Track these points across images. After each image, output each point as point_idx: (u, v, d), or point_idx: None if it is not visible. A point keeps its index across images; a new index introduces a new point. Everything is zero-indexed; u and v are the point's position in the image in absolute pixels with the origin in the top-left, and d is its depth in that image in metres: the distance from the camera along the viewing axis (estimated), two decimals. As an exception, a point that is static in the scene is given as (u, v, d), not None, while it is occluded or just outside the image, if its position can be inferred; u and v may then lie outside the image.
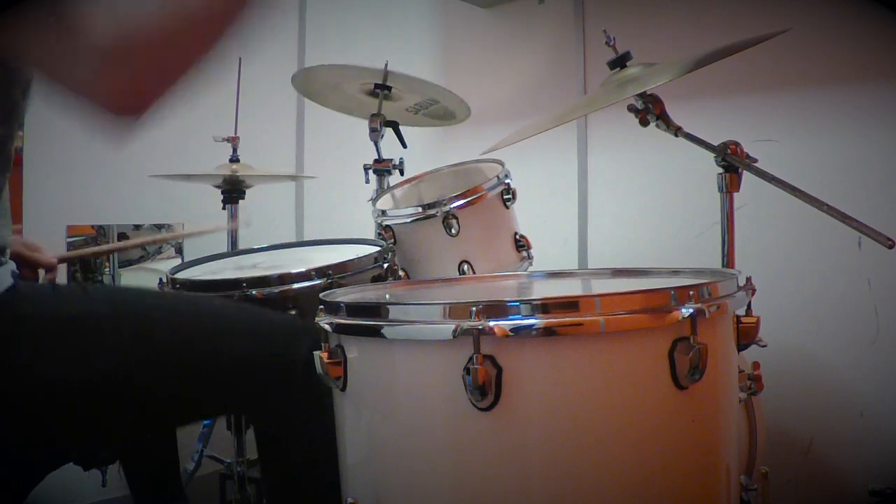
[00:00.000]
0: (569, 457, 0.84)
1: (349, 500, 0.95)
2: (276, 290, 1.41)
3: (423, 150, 2.30)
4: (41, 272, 1.40)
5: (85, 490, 2.02)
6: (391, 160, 1.99)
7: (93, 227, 2.29)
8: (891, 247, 1.05)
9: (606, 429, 0.84)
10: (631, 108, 1.38)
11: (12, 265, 1.02)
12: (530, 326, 0.83)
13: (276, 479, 1.18)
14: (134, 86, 0.79)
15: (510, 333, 0.82)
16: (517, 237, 1.73)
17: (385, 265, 1.52)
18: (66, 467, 1.14)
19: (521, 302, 0.84)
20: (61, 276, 2.18)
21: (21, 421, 0.98)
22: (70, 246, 2.22)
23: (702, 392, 0.88)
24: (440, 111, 2.10)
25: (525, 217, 1.77)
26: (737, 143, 1.29)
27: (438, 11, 2.60)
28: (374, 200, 1.85)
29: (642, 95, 1.34)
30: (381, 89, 1.95)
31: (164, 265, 2.24)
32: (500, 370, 0.82)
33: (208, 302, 1.28)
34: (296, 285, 1.41)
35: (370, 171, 1.99)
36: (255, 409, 1.18)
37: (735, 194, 1.31)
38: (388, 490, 0.92)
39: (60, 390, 0.98)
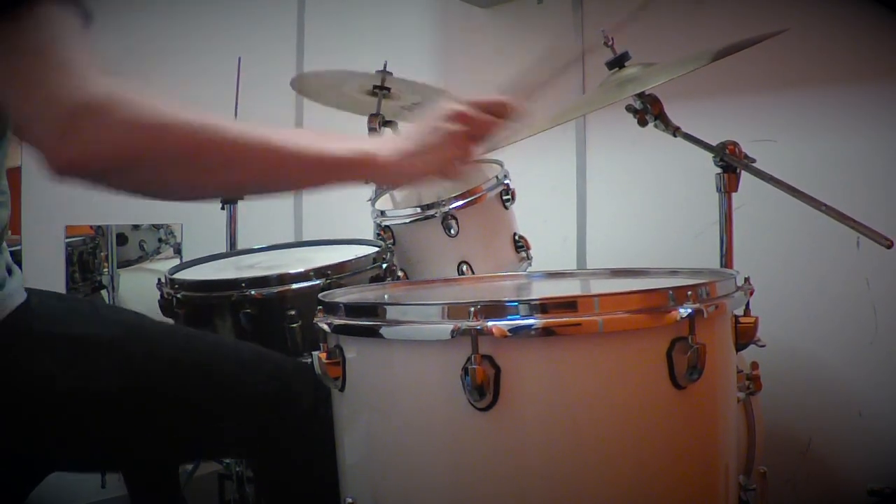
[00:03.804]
0: (567, 457, 0.84)
1: (347, 499, 0.95)
2: (274, 290, 1.41)
3: (422, 150, 2.29)
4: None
5: (84, 490, 2.02)
6: (390, 160, 1.99)
7: (91, 227, 2.29)
8: (889, 247, 1.06)
9: (605, 429, 0.84)
10: (629, 108, 1.38)
11: (21, 277, 1.01)
12: (529, 326, 0.83)
13: None
14: (90, 154, 0.77)
15: (508, 334, 0.82)
16: (516, 237, 1.73)
17: (384, 265, 1.52)
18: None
19: (520, 302, 0.84)
20: (60, 276, 2.19)
21: (24, 428, 0.98)
22: (68, 246, 2.22)
23: (700, 392, 0.88)
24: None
25: (524, 217, 1.77)
26: (735, 143, 1.29)
27: (437, 11, 2.60)
28: (373, 201, 1.85)
29: (641, 95, 1.34)
30: (380, 89, 1.95)
31: (163, 265, 2.23)
32: (498, 370, 0.82)
33: (217, 339, 1.27)
34: (294, 285, 1.41)
35: (369, 171, 1.99)
36: (253, 450, 1.17)
37: (733, 194, 1.31)
38: (387, 490, 0.92)
39: (63, 407, 0.98)
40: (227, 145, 0.84)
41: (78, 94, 0.76)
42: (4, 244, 1.00)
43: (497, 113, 1.00)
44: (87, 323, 1.05)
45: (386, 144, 0.97)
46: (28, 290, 1.01)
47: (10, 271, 0.98)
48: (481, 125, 0.99)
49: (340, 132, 0.97)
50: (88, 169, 0.78)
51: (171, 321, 1.49)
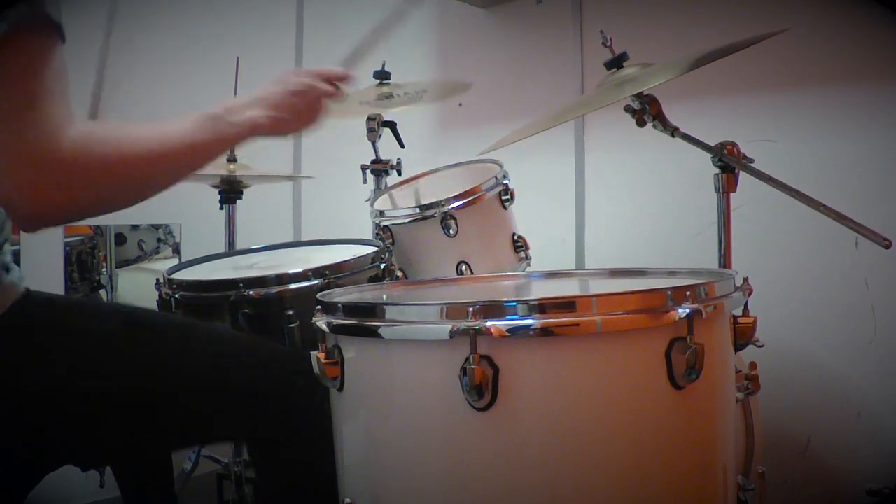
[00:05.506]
0: (566, 457, 0.84)
1: (346, 500, 0.95)
2: (273, 290, 1.41)
3: (421, 151, 2.30)
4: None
5: (82, 490, 2.02)
6: (389, 160, 2.00)
7: (90, 226, 2.29)
8: (888, 247, 1.06)
9: (603, 429, 0.85)
10: (628, 109, 1.38)
11: (19, 271, 1.02)
12: (527, 327, 0.83)
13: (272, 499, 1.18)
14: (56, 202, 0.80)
15: (507, 334, 0.82)
16: (515, 237, 1.73)
17: (382, 265, 1.52)
18: (65, 467, 1.14)
19: (518, 302, 0.84)
20: (58, 276, 2.19)
21: (24, 426, 0.98)
22: (67, 246, 2.22)
23: (699, 392, 0.88)
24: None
25: (523, 217, 1.77)
26: (734, 144, 1.29)
27: (436, 11, 2.59)
28: (372, 201, 1.85)
29: (639, 96, 1.34)
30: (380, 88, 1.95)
31: (162, 265, 2.23)
32: (496, 370, 0.82)
33: (214, 328, 1.28)
34: (293, 285, 1.41)
35: (368, 172, 1.99)
36: (254, 435, 1.17)
37: (732, 195, 1.31)
38: (386, 490, 0.92)
39: (65, 400, 0.98)
40: (155, 156, 0.92)
41: (49, 151, 0.77)
42: (7, 245, 1.00)
43: (335, 79, 1.14)
44: (87, 317, 1.05)
45: (234, 102, 1.04)
46: (27, 289, 1.01)
47: (7, 269, 0.99)
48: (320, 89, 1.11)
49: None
50: (55, 220, 0.83)
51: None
